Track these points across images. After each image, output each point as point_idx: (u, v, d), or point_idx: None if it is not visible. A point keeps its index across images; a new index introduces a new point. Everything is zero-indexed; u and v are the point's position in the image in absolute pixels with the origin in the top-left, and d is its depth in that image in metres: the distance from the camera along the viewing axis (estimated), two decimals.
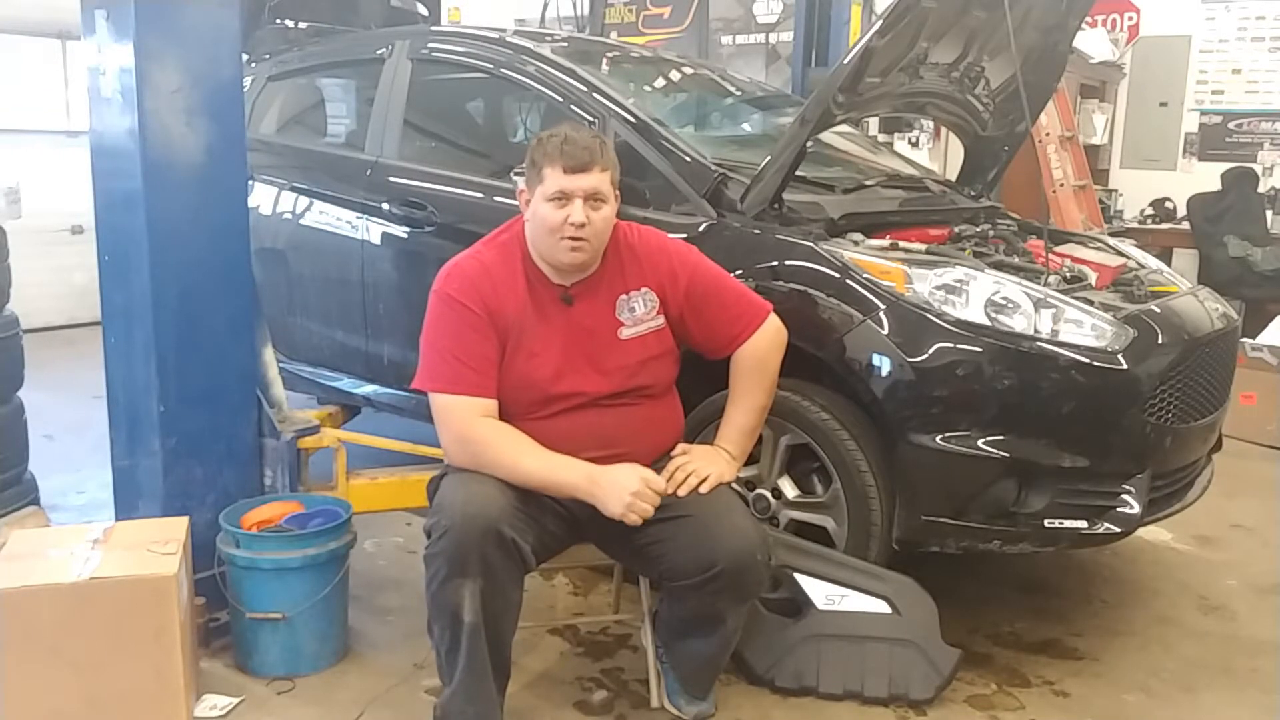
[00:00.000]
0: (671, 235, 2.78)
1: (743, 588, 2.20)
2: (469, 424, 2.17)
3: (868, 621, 2.49)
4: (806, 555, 2.55)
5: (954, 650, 2.52)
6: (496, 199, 3.22)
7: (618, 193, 2.27)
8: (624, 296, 2.29)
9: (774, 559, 2.35)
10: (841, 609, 2.50)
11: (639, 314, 2.29)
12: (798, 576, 2.53)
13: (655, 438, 2.32)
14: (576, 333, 2.24)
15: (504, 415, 2.21)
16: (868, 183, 3.23)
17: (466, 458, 2.17)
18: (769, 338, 2.36)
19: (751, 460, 2.65)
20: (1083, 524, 2.53)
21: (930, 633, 2.50)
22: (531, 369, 2.21)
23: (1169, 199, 7.59)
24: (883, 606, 2.49)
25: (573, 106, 3.17)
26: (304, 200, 3.76)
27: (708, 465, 2.26)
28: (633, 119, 3.05)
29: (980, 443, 2.46)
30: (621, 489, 2.09)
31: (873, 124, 5.92)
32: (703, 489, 2.22)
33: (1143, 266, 3.25)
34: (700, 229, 2.83)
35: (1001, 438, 2.47)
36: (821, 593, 2.52)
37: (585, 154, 2.16)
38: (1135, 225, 7.45)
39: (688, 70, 4.02)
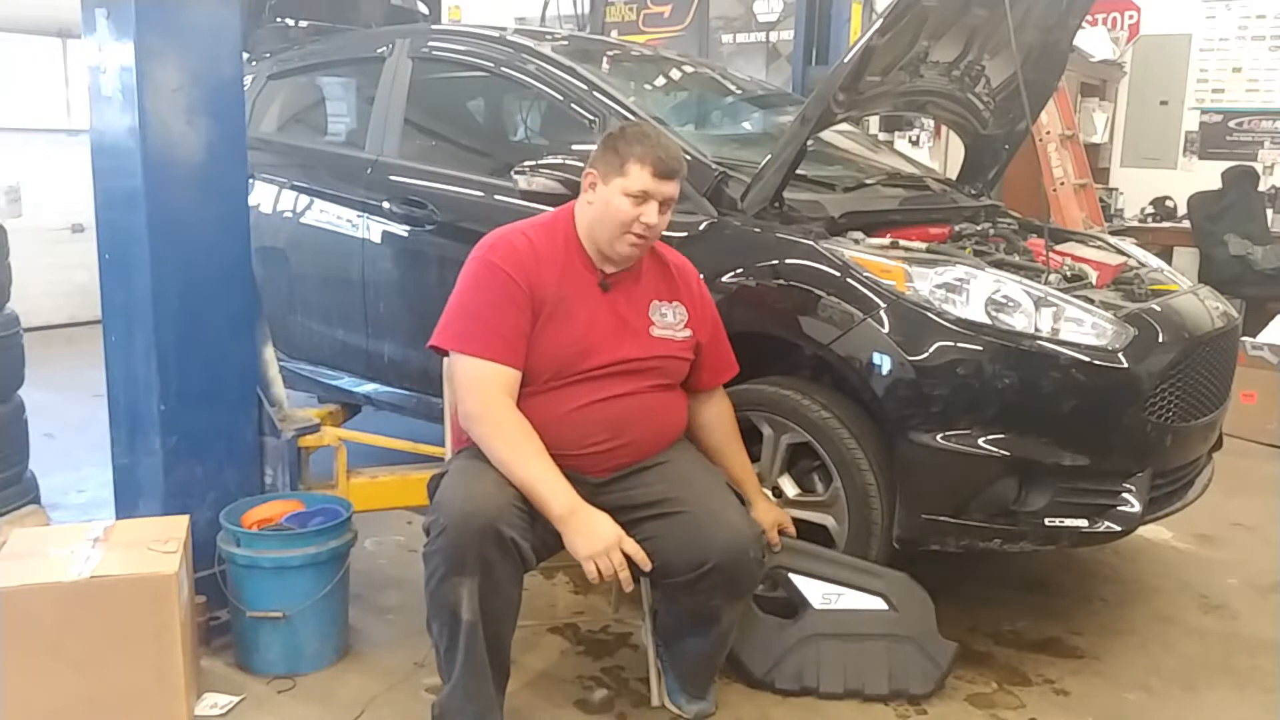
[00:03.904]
0: (672, 234, 2.79)
1: (735, 585, 2.20)
2: (489, 400, 2.16)
3: (865, 619, 2.50)
4: (801, 555, 2.55)
5: (950, 644, 2.53)
6: (497, 198, 3.22)
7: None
8: (657, 302, 2.34)
9: (767, 558, 2.35)
10: (838, 608, 2.50)
11: (669, 321, 2.35)
12: (793, 577, 2.53)
13: (663, 425, 2.34)
14: (609, 316, 2.28)
15: (525, 382, 2.21)
16: (868, 181, 3.23)
17: (476, 433, 2.18)
18: (729, 403, 2.53)
19: (752, 459, 2.65)
20: (1083, 522, 2.53)
21: (927, 627, 2.51)
22: (562, 340, 2.22)
23: (1169, 197, 7.58)
24: (879, 604, 2.50)
25: (573, 105, 3.17)
26: (304, 199, 3.75)
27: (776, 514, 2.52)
28: (633, 118, 3.04)
29: (981, 441, 2.46)
30: (597, 536, 2.09)
31: (873, 122, 5.92)
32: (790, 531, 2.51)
33: (1143, 265, 3.25)
34: (701, 227, 2.83)
35: (1002, 436, 2.47)
36: (818, 592, 2.52)
37: (675, 163, 2.24)
38: (1136, 224, 7.45)
39: (688, 69, 4.02)
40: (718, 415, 2.50)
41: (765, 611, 2.54)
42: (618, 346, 2.26)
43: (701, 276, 2.59)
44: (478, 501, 2.05)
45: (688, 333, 2.36)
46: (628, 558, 2.10)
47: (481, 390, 2.18)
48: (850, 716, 2.45)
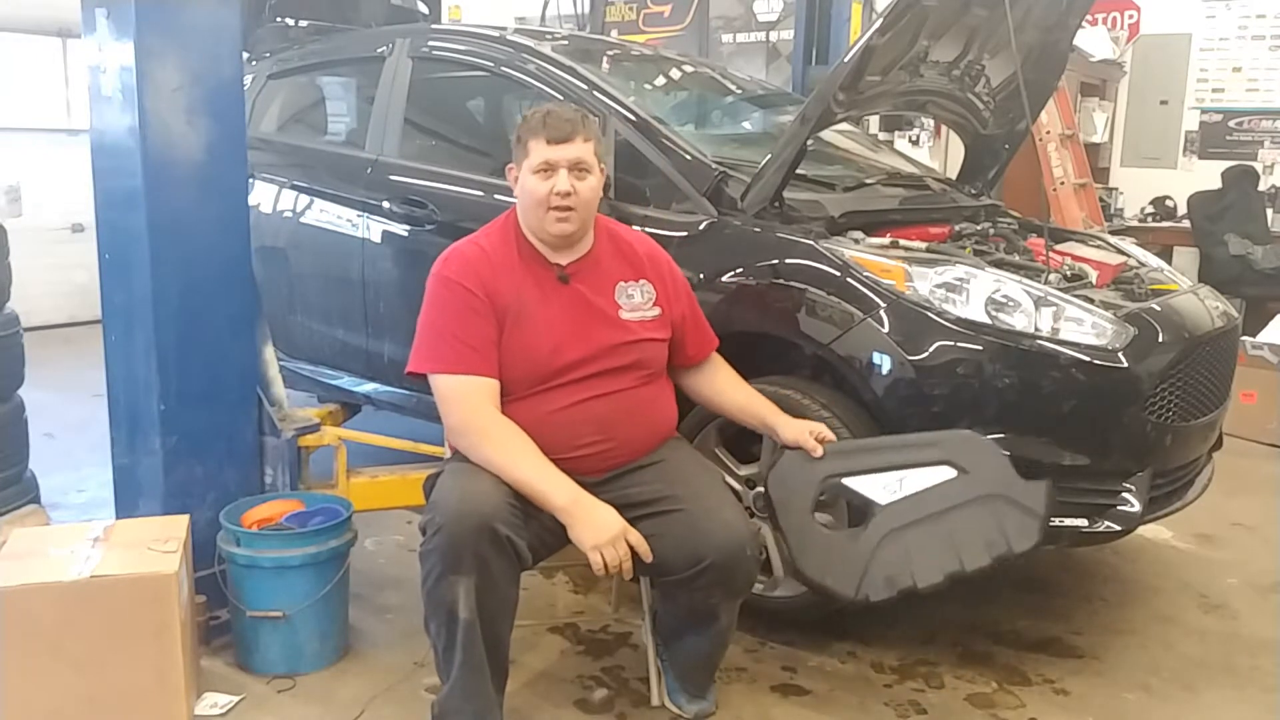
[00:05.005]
0: (672, 233, 2.79)
1: (732, 582, 2.20)
2: (474, 411, 2.17)
3: (938, 494, 2.29)
4: (847, 456, 2.37)
5: (1039, 483, 2.28)
6: (497, 197, 3.21)
7: (603, 165, 2.31)
8: (622, 284, 2.32)
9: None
10: (906, 493, 2.30)
11: (637, 301, 2.32)
12: (847, 482, 2.33)
13: (653, 422, 2.34)
14: (574, 309, 2.26)
15: (505, 392, 2.21)
16: (868, 181, 3.23)
17: (464, 444, 2.18)
18: (725, 363, 2.49)
19: (751, 459, 2.66)
20: (1083, 522, 2.53)
21: (1006, 477, 2.28)
22: (531, 342, 2.22)
23: (1169, 197, 7.59)
24: (947, 472, 2.30)
25: (573, 105, 3.17)
26: (304, 198, 3.75)
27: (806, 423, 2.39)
28: (633, 117, 3.05)
29: None
30: (601, 527, 2.08)
31: (873, 122, 5.92)
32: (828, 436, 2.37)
33: (1143, 265, 3.25)
34: (700, 227, 2.83)
35: (1002, 436, 2.45)
36: (879, 486, 2.32)
37: (567, 125, 2.21)
38: (1136, 223, 7.46)
39: (688, 68, 4.02)
40: (723, 377, 2.47)
41: (831, 529, 2.40)
42: (589, 336, 2.25)
43: (701, 276, 2.59)
44: (473, 500, 2.05)
45: (657, 311, 2.33)
46: (631, 549, 2.10)
47: (462, 403, 2.18)
48: (850, 714, 2.46)
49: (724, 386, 2.47)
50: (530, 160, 2.21)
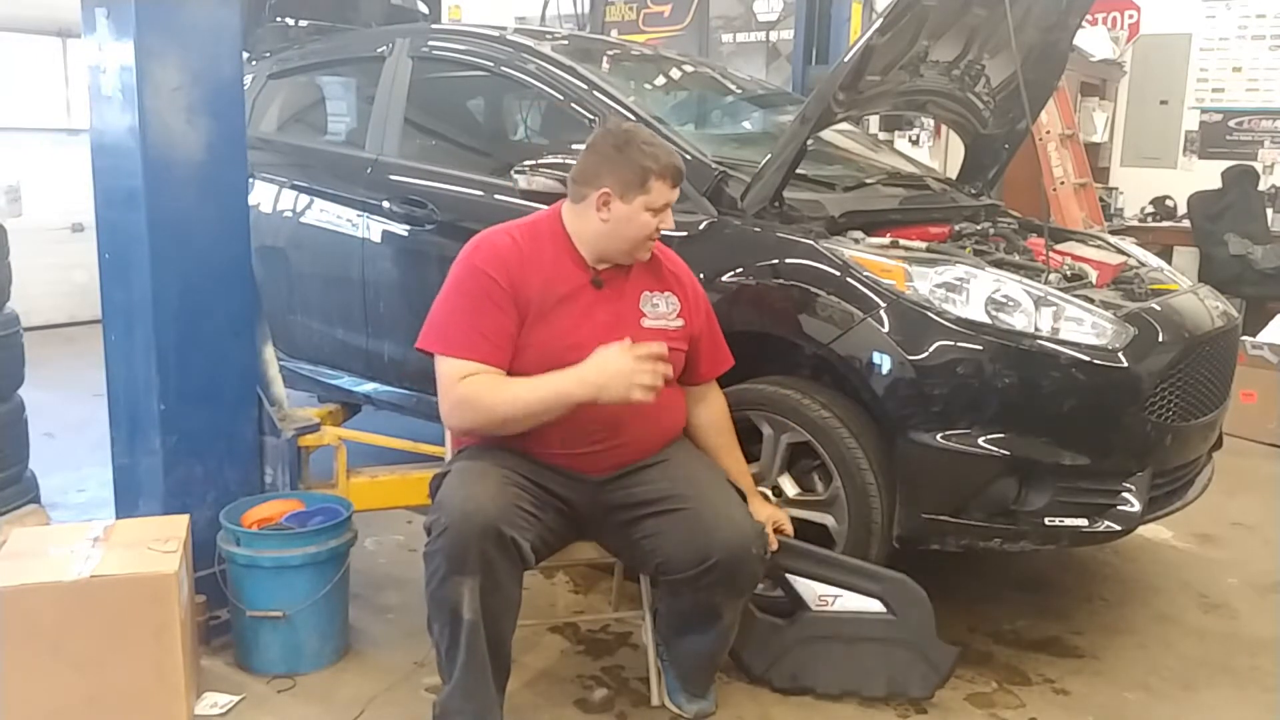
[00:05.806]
0: (672, 233, 2.79)
1: (737, 580, 2.21)
2: (466, 383, 2.16)
3: (862, 623, 2.47)
4: (799, 555, 2.52)
5: (952, 648, 2.51)
6: (497, 197, 3.22)
7: None
8: (648, 293, 2.34)
9: (767, 553, 2.35)
10: (835, 609, 2.49)
11: (661, 311, 2.34)
12: (790, 577, 2.51)
13: (662, 424, 2.34)
14: (599, 311, 2.27)
15: None
16: (868, 181, 3.23)
17: (468, 416, 2.18)
18: (724, 401, 2.51)
19: (752, 459, 2.66)
20: (1083, 522, 2.53)
21: (926, 631, 2.48)
22: (552, 337, 2.22)
23: (1169, 197, 7.59)
24: (876, 606, 2.47)
25: (573, 105, 3.17)
26: (304, 198, 3.75)
27: (773, 513, 2.47)
28: (633, 117, 3.04)
29: (981, 441, 2.46)
30: (609, 369, 2.09)
31: (873, 122, 5.92)
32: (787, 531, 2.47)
33: (1143, 265, 3.25)
34: (700, 227, 2.83)
35: (1002, 436, 2.47)
36: (814, 594, 2.50)
37: (681, 165, 2.30)
38: (1136, 223, 7.46)
39: (688, 68, 4.03)
40: (715, 415, 2.48)
41: (763, 611, 2.53)
42: (609, 339, 2.22)
43: (701, 276, 2.60)
44: (479, 501, 2.05)
45: (680, 322, 2.35)
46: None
47: (459, 384, 2.17)
48: (851, 716, 2.46)
49: (716, 434, 2.47)
50: (651, 198, 2.22)
